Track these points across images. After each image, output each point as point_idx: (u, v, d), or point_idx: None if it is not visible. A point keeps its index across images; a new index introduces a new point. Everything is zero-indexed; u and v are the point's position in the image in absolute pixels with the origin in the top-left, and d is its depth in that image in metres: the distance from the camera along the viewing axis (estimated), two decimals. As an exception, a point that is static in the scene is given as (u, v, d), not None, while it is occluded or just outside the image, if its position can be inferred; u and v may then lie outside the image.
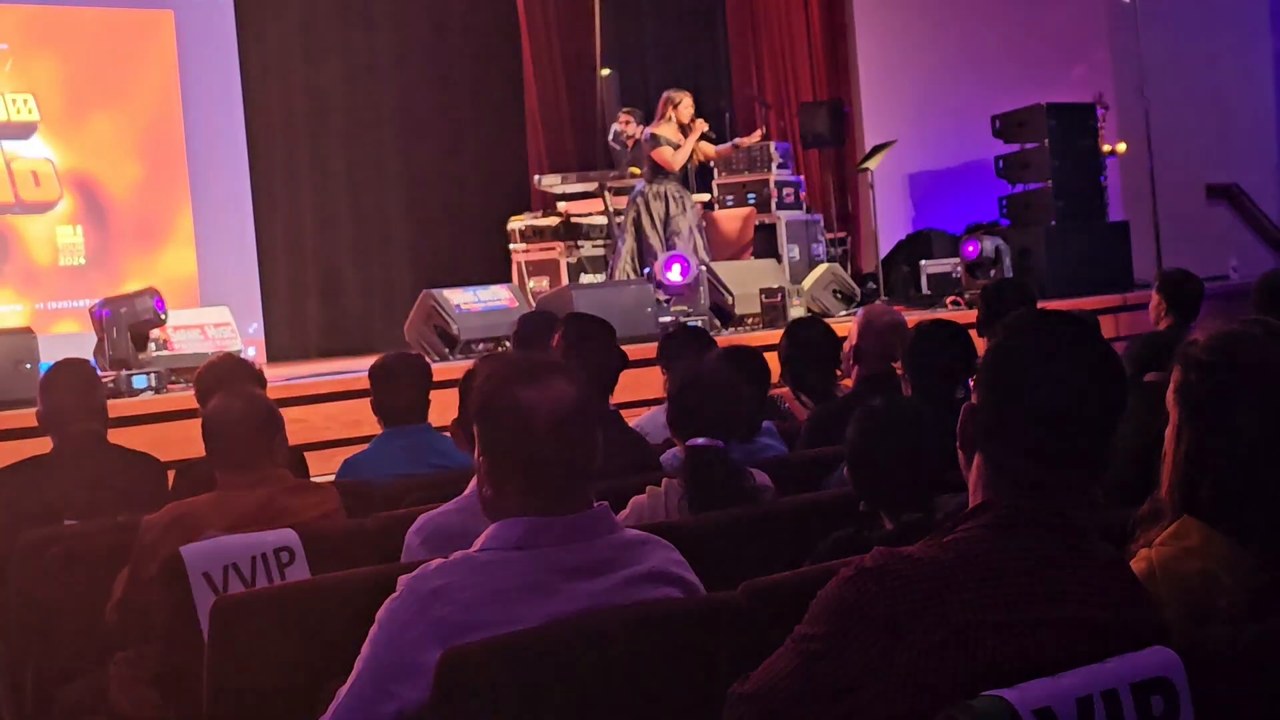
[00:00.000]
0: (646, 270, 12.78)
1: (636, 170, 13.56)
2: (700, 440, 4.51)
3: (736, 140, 14.15)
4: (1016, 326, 2.52)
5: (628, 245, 13.27)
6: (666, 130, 13.30)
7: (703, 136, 13.40)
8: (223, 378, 5.71)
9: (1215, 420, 2.70)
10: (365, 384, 6.13)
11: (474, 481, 4.09)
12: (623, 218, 13.47)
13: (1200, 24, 16.28)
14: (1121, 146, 15.27)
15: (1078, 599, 2.38)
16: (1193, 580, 2.64)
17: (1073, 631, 2.36)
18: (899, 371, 5.42)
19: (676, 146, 13.22)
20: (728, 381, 4.78)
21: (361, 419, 6.38)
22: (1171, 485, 2.76)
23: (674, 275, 12.10)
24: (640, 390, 7.80)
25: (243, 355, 9.09)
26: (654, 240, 13.12)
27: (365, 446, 6.08)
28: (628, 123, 14.35)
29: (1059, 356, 2.43)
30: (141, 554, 4.52)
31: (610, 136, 14.68)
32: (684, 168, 13.54)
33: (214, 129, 14.29)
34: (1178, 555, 2.68)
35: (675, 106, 13.38)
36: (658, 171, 13.24)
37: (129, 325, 9.78)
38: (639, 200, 13.30)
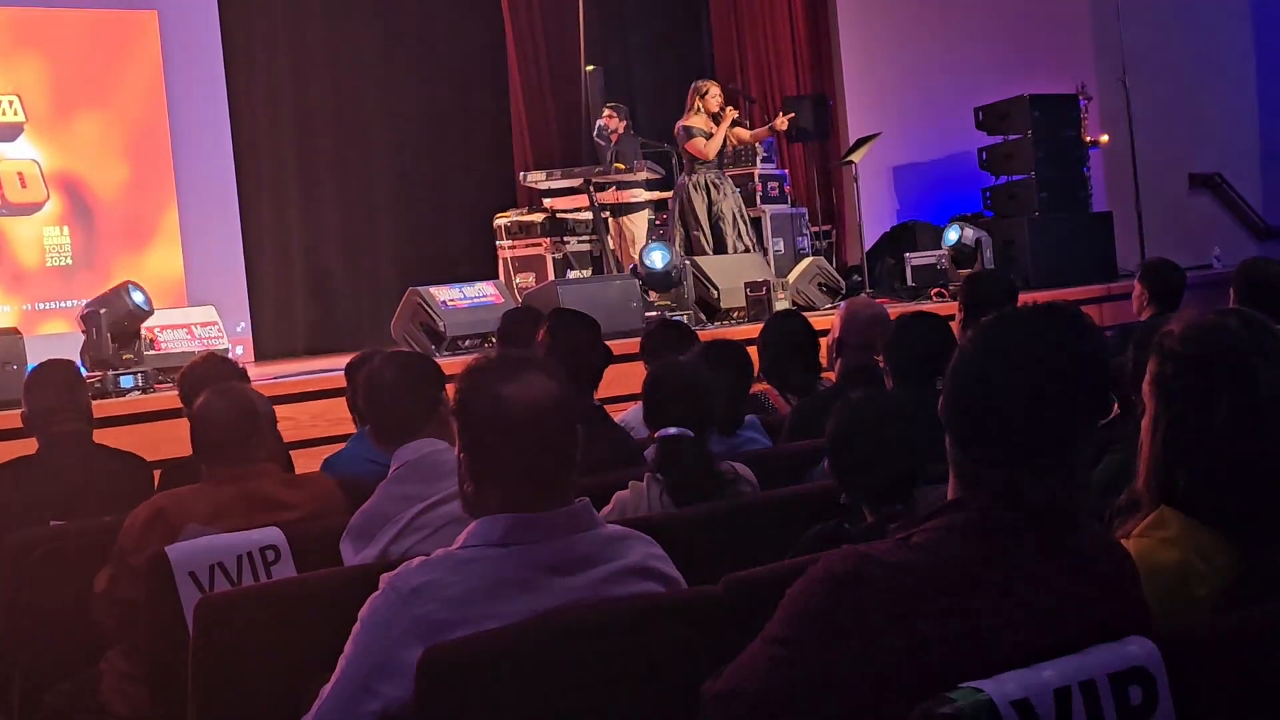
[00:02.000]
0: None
1: (621, 165, 13.55)
2: (670, 430, 4.54)
3: (772, 123, 14.15)
4: (981, 327, 2.52)
5: (677, 238, 13.31)
6: (697, 121, 13.35)
7: (734, 123, 13.52)
8: (206, 377, 5.70)
9: (1191, 410, 2.71)
10: (353, 382, 6.14)
11: (392, 465, 4.15)
12: (667, 214, 13.66)
13: (1181, 13, 16.30)
14: (1104, 137, 15.29)
15: (1052, 593, 2.39)
16: (1171, 570, 2.65)
17: (1048, 625, 2.36)
18: (881, 364, 5.44)
19: (709, 136, 13.28)
20: (698, 373, 4.81)
21: (349, 417, 6.38)
22: (1149, 476, 2.77)
23: (654, 261, 12.08)
24: (626, 385, 7.77)
25: (228, 354, 9.09)
26: (699, 231, 13.21)
27: (347, 445, 6.08)
28: (611, 118, 14.34)
29: (1019, 360, 2.43)
30: (124, 546, 4.52)
31: (595, 132, 14.66)
32: (720, 154, 13.56)
33: (199, 128, 14.25)
34: (1156, 546, 2.68)
35: (703, 96, 13.45)
36: (695, 162, 13.32)
37: (110, 324, 9.75)
38: (681, 194, 13.41)
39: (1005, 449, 2.42)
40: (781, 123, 14.09)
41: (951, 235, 13.23)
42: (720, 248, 13.19)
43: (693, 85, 13.73)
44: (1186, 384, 2.72)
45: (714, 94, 13.52)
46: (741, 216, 13.49)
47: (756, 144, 14.55)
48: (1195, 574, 2.64)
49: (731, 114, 13.47)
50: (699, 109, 13.41)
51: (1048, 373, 2.42)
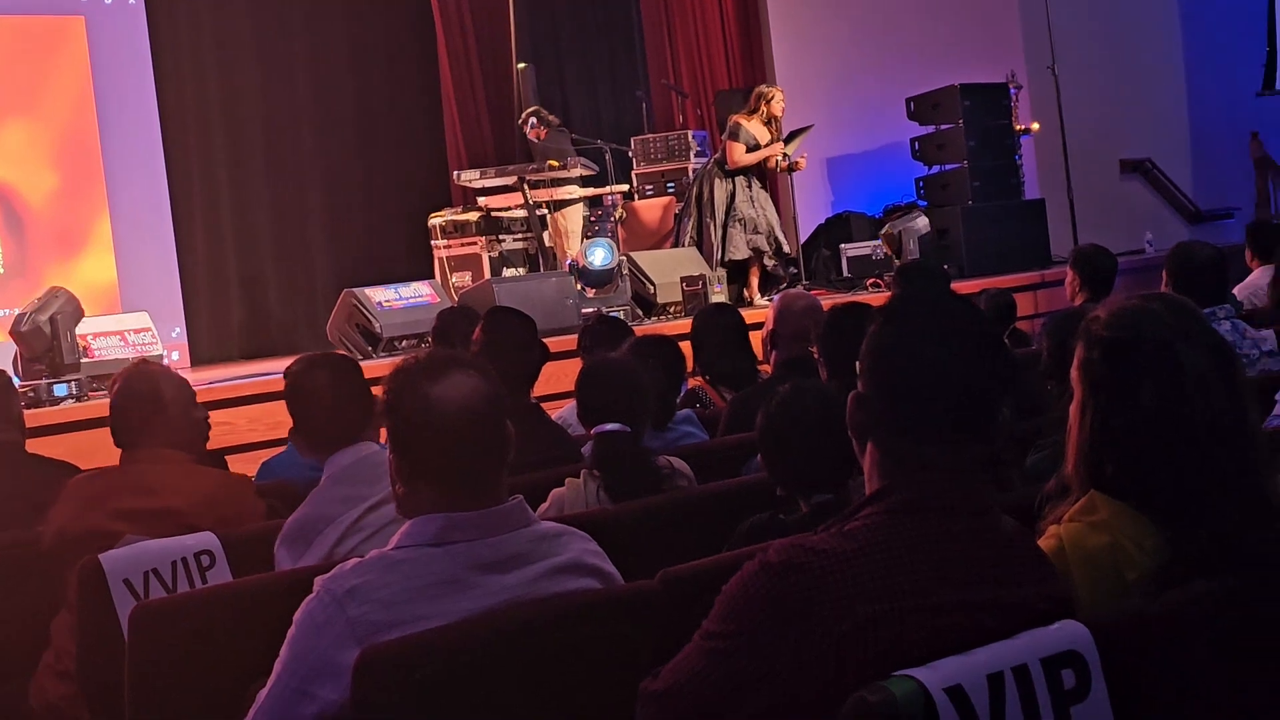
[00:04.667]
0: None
1: (555, 163, 13.51)
2: (607, 426, 4.55)
3: (795, 161, 13.61)
4: (892, 311, 2.54)
5: (691, 221, 13.28)
6: (753, 125, 13.15)
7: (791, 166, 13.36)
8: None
9: (1118, 395, 2.73)
10: (287, 386, 6.11)
11: (325, 471, 4.14)
12: (688, 192, 13.51)
13: (1110, 1, 16.41)
14: (1035, 125, 15.38)
15: (982, 578, 2.40)
16: (1102, 554, 2.67)
17: (981, 611, 2.38)
18: (816, 356, 5.45)
19: (753, 146, 13.05)
20: (630, 369, 4.83)
21: (285, 420, 6.34)
22: (1078, 461, 2.78)
23: (597, 259, 12.08)
24: (563, 382, 7.76)
25: (163, 360, 9.03)
26: (712, 220, 13.08)
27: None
28: (535, 128, 14.26)
29: (933, 336, 2.46)
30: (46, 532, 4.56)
31: (528, 128, 14.63)
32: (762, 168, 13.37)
33: (129, 134, 14.15)
34: (1086, 530, 2.70)
35: (768, 102, 13.22)
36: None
37: (32, 332, 9.62)
38: (705, 181, 13.27)
39: (932, 427, 2.43)
40: (801, 163, 13.61)
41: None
42: (732, 246, 13.09)
43: (758, 89, 13.58)
44: (1113, 369, 2.74)
45: (778, 100, 13.25)
46: (777, 230, 13.27)
47: (689, 136, 14.57)
48: (1125, 557, 2.66)
49: (779, 149, 13.19)
50: (761, 111, 13.16)
51: (964, 347, 2.44)
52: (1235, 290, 9.02)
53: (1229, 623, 2.57)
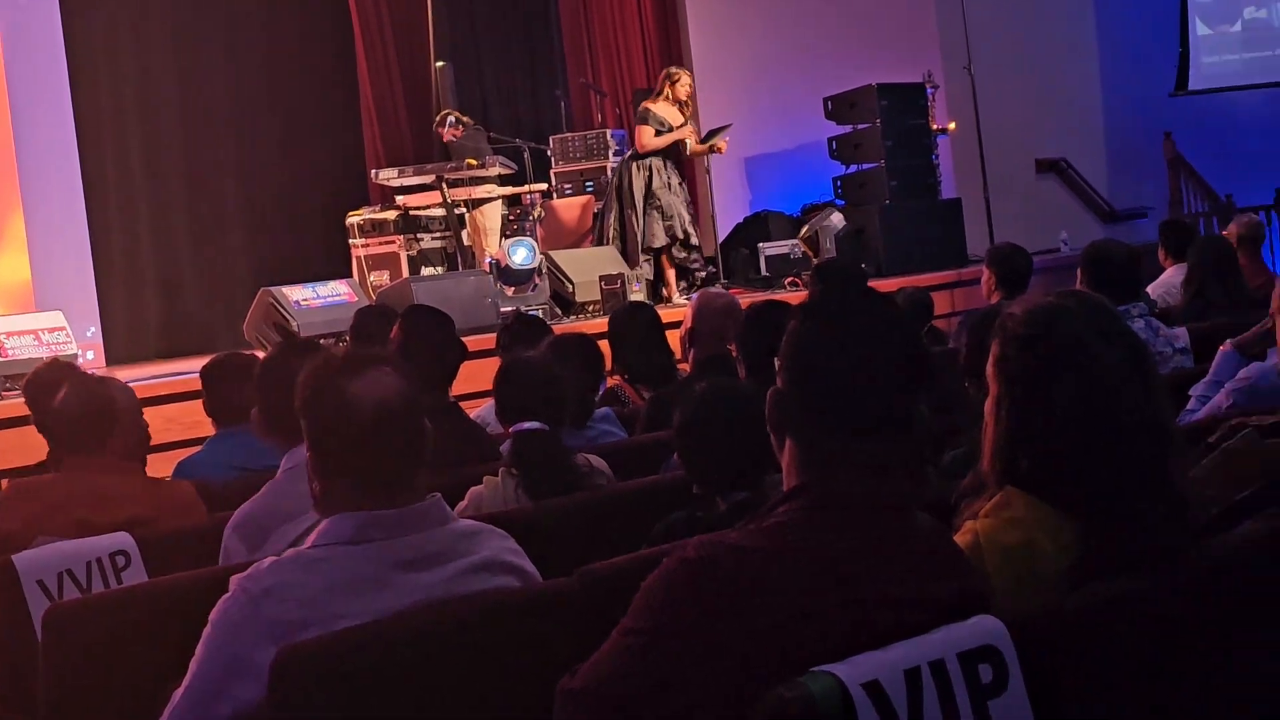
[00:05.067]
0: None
1: (474, 161, 13.47)
2: (525, 425, 4.55)
3: (714, 143, 13.57)
4: (811, 308, 2.55)
5: (613, 214, 13.21)
6: (659, 107, 13.11)
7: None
8: (52, 383, 5.61)
9: (1033, 392, 2.75)
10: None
11: (283, 464, 4.11)
12: (608, 186, 13.46)
13: (1025, 1, 16.53)
14: (951, 125, 15.47)
15: (899, 574, 2.41)
16: (1017, 550, 2.69)
17: (898, 607, 2.38)
18: (734, 354, 5.46)
19: (662, 128, 12.99)
20: (548, 367, 4.83)
21: (202, 420, 6.31)
22: (993, 457, 2.80)
23: (519, 259, 12.06)
24: (482, 381, 7.75)
25: (77, 359, 8.94)
26: (632, 210, 13.03)
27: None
28: (452, 125, 14.23)
29: (852, 333, 2.46)
30: None
31: (445, 128, 14.59)
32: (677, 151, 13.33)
33: (43, 131, 13.95)
34: (1002, 526, 2.72)
35: (674, 83, 13.15)
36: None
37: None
38: (623, 172, 13.21)
39: (850, 423, 2.44)
40: (723, 144, 13.60)
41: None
42: (650, 234, 13.08)
43: (665, 70, 13.55)
44: (1028, 366, 2.76)
45: (684, 82, 13.15)
46: (686, 206, 13.26)
47: (608, 135, 14.57)
48: (1041, 553, 2.68)
49: (689, 130, 13.17)
50: (666, 94, 13.13)
51: (882, 344, 2.46)
52: (1149, 288, 9.11)
53: (1143, 617, 2.59)
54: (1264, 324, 5.24)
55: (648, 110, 13.10)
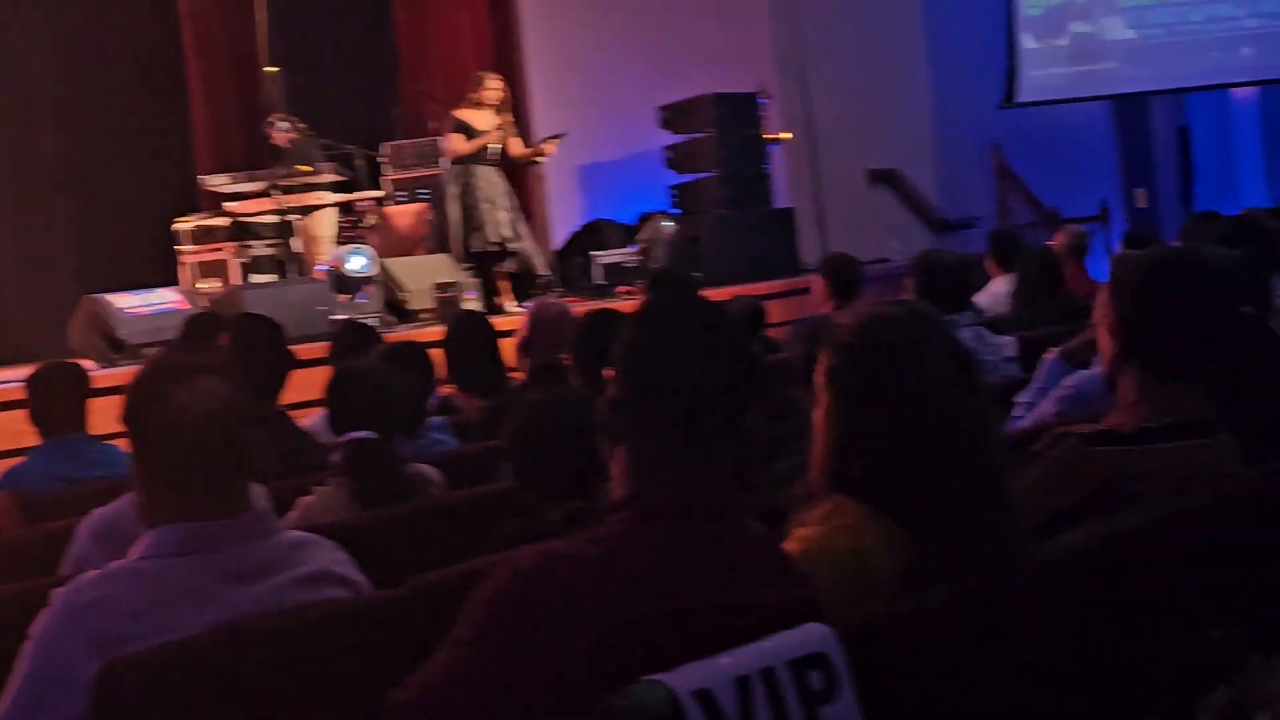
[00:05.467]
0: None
1: (306, 168, 13.35)
2: (356, 434, 4.51)
3: (540, 146, 13.48)
4: (644, 317, 2.54)
5: (443, 223, 13.03)
6: (468, 114, 12.93)
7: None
8: None
9: (862, 400, 2.77)
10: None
11: None
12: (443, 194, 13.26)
13: (857, 13, 16.70)
14: (785, 134, 15.60)
15: (731, 582, 2.42)
16: (846, 558, 2.71)
17: (729, 615, 2.39)
18: (568, 363, 5.46)
19: (471, 134, 12.80)
20: (380, 375, 4.79)
21: (25, 429, 6.19)
22: (823, 465, 2.82)
23: (356, 265, 11.96)
24: (313, 390, 7.70)
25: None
26: (455, 219, 12.89)
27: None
28: (285, 130, 14.11)
29: (685, 342, 2.46)
30: None
31: (277, 131, 14.44)
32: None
33: None
34: (831, 534, 2.74)
35: (478, 87, 12.98)
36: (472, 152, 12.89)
37: None
38: (447, 179, 13.06)
39: (682, 431, 2.43)
40: (551, 148, 13.43)
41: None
42: (478, 240, 12.94)
43: (473, 75, 13.38)
44: (857, 374, 2.79)
45: (488, 86, 12.92)
46: (509, 210, 13.06)
47: (441, 142, 14.49)
48: (870, 560, 2.70)
49: (497, 135, 12.95)
50: (474, 100, 12.95)
51: (715, 353, 2.45)
52: (977, 298, 9.24)
53: (971, 622, 2.62)
54: (1088, 333, 5.33)
55: (454, 117, 13.00)
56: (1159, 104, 19.85)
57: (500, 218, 12.90)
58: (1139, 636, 3.01)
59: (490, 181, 12.94)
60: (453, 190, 12.94)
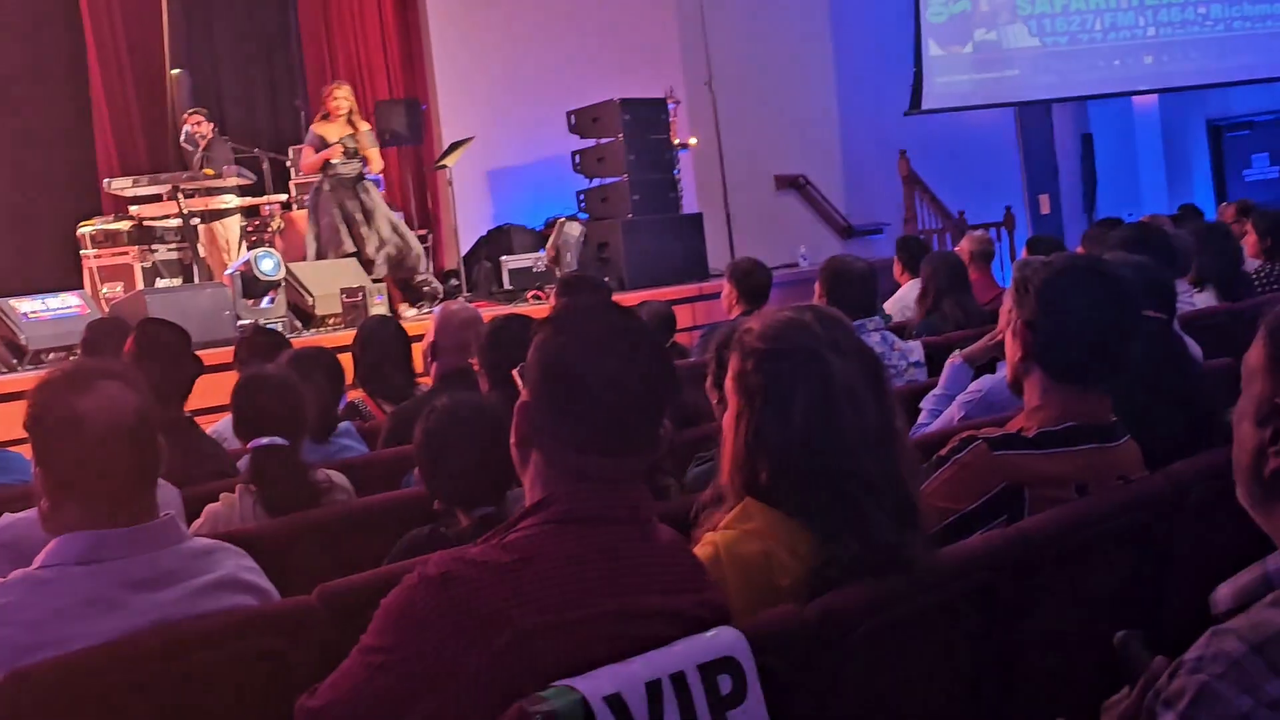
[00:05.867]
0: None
1: (210, 171, 13.26)
2: (263, 440, 4.49)
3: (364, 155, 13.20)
4: (558, 321, 2.53)
5: (311, 235, 12.94)
6: (321, 126, 12.90)
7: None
8: None
9: (770, 404, 2.78)
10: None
11: None
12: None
13: (764, 21, 16.77)
14: (693, 140, 15.65)
15: (642, 587, 2.42)
16: (756, 561, 2.72)
17: (639, 620, 2.39)
18: (476, 368, 5.44)
19: (321, 144, 12.76)
20: (287, 381, 4.77)
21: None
22: (732, 470, 2.83)
23: (267, 268, 11.88)
24: (219, 395, 7.63)
25: None
26: (315, 231, 12.85)
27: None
28: (199, 123, 14.04)
29: (600, 347, 2.45)
30: None
31: (182, 138, 14.33)
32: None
33: None
34: (741, 537, 2.75)
35: (325, 99, 12.99)
36: (326, 164, 12.81)
37: None
38: (312, 194, 13.02)
39: (597, 436, 2.43)
40: (370, 160, 13.16)
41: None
42: (360, 248, 12.88)
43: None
44: (764, 379, 2.80)
45: (336, 96, 12.91)
46: (374, 221, 13.01)
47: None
48: (779, 564, 2.71)
49: (337, 150, 12.87)
50: (325, 113, 12.95)
51: (630, 357, 2.45)
52: (885, 304, 9.30)
53: (877, 623, 2.64)
54: (992, 335, 5.38)
55: (312, 130, 13.00)
56: (1062, 111, 20.10)
57: (362, 232, 12.89)
58: (1042, 637, 3.05)
59: (349, 193, 12.93)
60: (312, 202, 12.94)
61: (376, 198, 13.09)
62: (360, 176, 12.98)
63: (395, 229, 13.12)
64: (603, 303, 2.62)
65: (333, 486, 4.57)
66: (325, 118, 12.94)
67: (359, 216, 12.94)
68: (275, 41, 17.75)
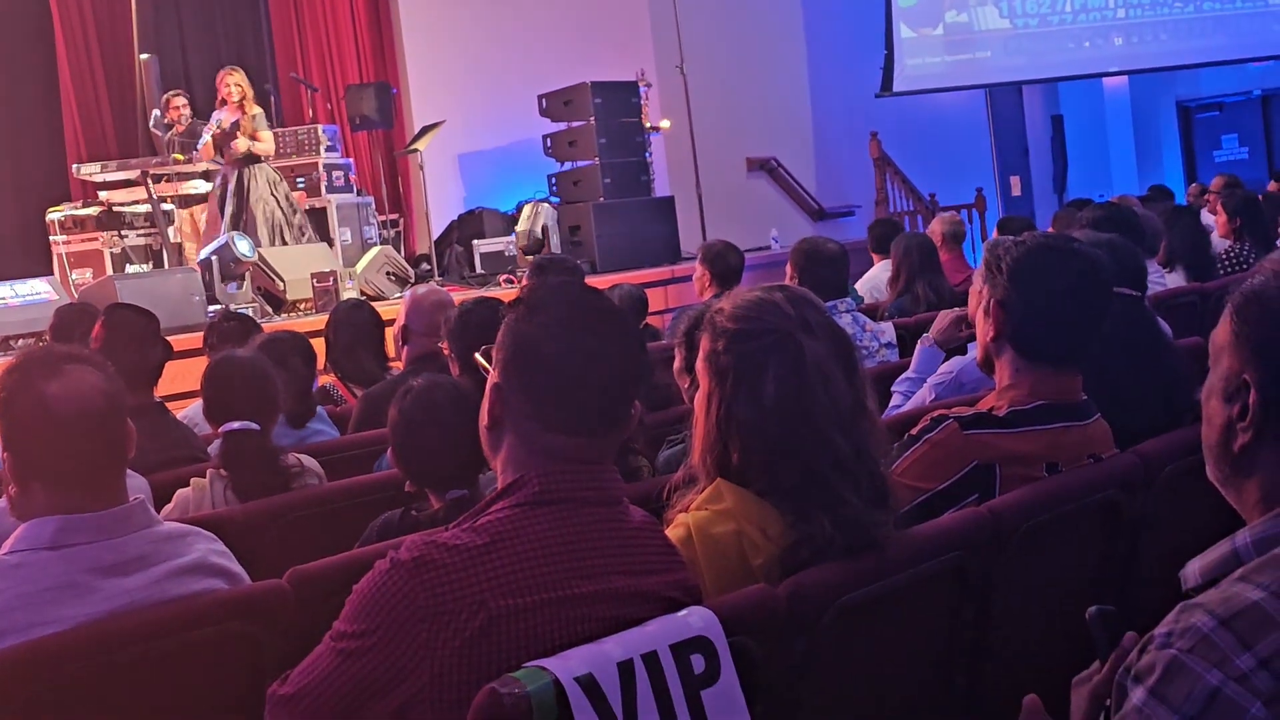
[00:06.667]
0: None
1: (180, 156, 13.21)
2: (234, 425, 4.48)
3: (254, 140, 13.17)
4: (532, 303, 2.52)
5: (224, 223, 12.85)
6: (219, 112, 12.94)
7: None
8: None
9: (741, 385, 2.78)
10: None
11: None
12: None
13: (736, 4, 16.79)
14: (665, 123, 15.65)
15: (614, 569, 2.42)
16: (727, 541, 2.72)
17: (612, 601, 2.39)
18: (446, 351, 5.43)
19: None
20: (257, 365, 4.75)
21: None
22: (704, 450, 2.83)
23: (244, 248, 11.85)
24: (190, 381, 7.62)
25: None
26: (221, 217, 12.76)
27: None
28: (178, 108, 13.99)
29: (575, 329, 2.44)
30: None
31: (151, 123, 14.27)
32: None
33: None
34: (712, 518, 2.75)
35: (219, 85, 13.00)
36: (220, 149, 12.79)
37: None
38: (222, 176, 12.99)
39: (571, 418, 2.43)
40: (260, 143, 13.04)
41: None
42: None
43: None
44: (736, 360, 2.80)
45: (226, 82, 12.90)
46: (281, 210, 13.04)
47: (319, 130, 14.37)
48: (751, 544, 2.71)
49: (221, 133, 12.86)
50: (220, 99, 13.01)
51: (604, 339, 2.45)
52: (857, 285, 9.32)
53: (849, 602, 2.64)
54: (954, 313, 5.40)
55: (212, 117, 12.99)
56: (1033, 93, 20.15)
57: (257, 215, 12.89)
58: (1013, 614, 3.06)
59: (247, 180, 12.94)
60: (213, 190, 12.95)
61: (263, 181, 13.08)
62: (253, 159, 12.94)
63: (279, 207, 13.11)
64: (574, 283, 2.61)
65: (304, 470, 4.56)
66: (223, 104, 12.95)
67: (239, 199, 12.95)
68: (245, 26, 17.66)
